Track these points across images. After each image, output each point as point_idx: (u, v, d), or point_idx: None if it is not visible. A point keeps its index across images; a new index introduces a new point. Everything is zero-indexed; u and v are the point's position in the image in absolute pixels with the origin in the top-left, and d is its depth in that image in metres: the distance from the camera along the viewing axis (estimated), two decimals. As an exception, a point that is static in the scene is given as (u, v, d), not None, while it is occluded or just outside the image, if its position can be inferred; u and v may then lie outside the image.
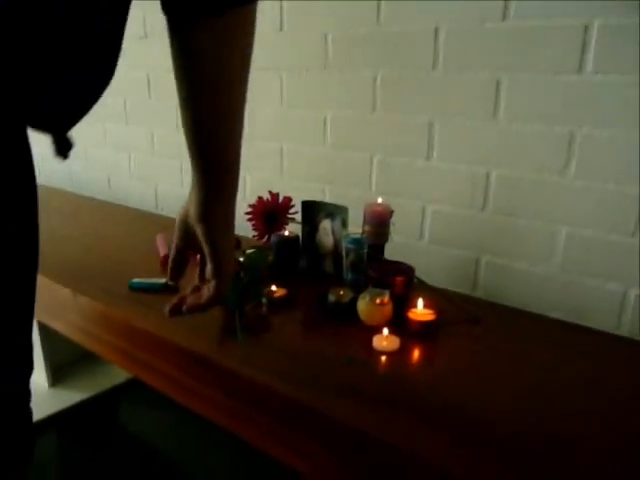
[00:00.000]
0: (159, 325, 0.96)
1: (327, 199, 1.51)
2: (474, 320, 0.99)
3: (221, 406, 0.86)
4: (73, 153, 1.61)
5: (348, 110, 1.41)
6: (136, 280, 1.12)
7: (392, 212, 1.14)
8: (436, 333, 0.94)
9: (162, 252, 1.29)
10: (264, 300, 1.05)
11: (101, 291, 1.11)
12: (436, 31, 1.22)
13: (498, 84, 1.16)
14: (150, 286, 1.11)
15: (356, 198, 1.44)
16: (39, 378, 1.71)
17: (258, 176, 1.67)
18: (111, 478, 1.45)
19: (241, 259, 1.18)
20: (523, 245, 1.20)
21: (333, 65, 1.41)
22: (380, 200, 1.15)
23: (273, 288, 1.06)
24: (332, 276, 1.19)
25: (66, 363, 1.74)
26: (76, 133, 1.95)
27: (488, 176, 1.21)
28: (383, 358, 0.87)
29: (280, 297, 1.05)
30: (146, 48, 1.86)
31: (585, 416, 0.73)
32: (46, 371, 1.67)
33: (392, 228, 1.15)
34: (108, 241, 1.49)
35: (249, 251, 1.21)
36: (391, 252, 1.31)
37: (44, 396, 1.66)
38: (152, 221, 1.75)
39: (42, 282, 1.19)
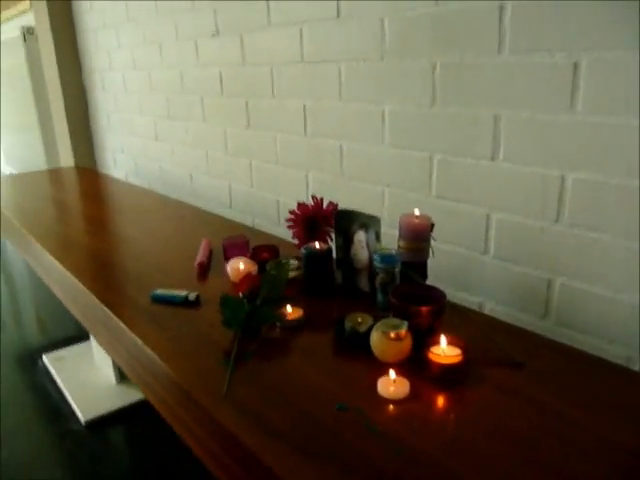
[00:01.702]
0: (161, 347, 0.89)
1: (386, 203, 1.36)
2: (516, 364, 0.80)
3: (204, 444, 0.77)
4: (162, 152, 1.55)
5: (406, 104, 1.25)
6: (159, 291, 1.08)
7: (433, 225, 0.97)
8: (462, 379, 0.77)
9: (198, 259, 1.24)
10: (280, 323, 0.94)
11: (125, 301, 1.08)
12: (501, 8, 1.01)
13: (576, 67, 0.93)
14: (171, 298, 1.05)
15: (415, 202, 1.28)
16: (107, 374, 1.77)
17: (319, 177, 1.56)
18: (175, 470, 1.45)
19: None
20: (607, 266, 0.96)
21: (391, 54, 1.25)
22: (417, 212, 0.98)
23: (288, 309, 0.95)
24: (368, 295, 1.05)
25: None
26: (165, 132, 1.95)
27: (563, 180, 0.99)
28: (387, 408, 0.72)
29: (294, 320, 0.94)
30: (218, 45, 1.83)
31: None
32: (113, 368, 1.72)
33: (433, 244, 0.98)
34: (160, 245, 1.47)
35: (271, 263, 1.11)
36: (452, 267, 1.14)
37: (111, 391, 1.71)
38: (217, 223, 1.72)
39: (81, 289, 1.22)
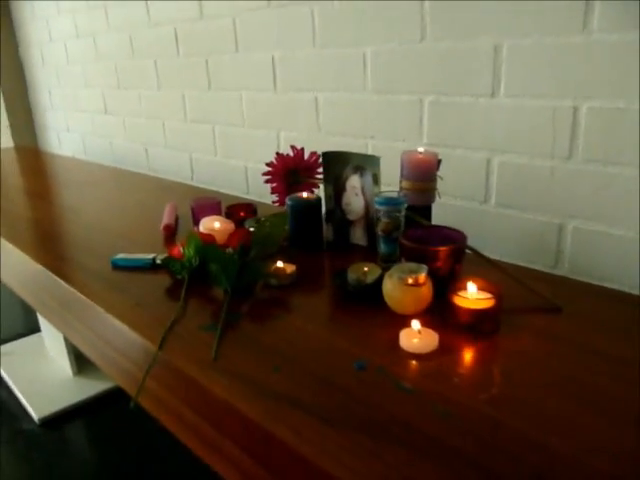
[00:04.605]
0: (128, 315, 0.74)
1: (370, 157, 1.24)
2: (554, 308, 0.69)
3: (188, 425, 0.63)
4: (113, 126, 1.38)
5: (391, 42, 1.12)
6: (120, 256, 0.92)
7: (440, 161, 0.85)
8: (497, 327, 0.65)
9: (164, 222, 1.08)
10: (272, 280, 0.80)
11: (79, 269, 0.91)
12: None
13: (591, -20, 0.83)
14: (134, 263, 0.90)
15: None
16: (62, 367, 1.58)
17: (292, 135, 1.42)
18: (141, 467, 1.30)
19: (252, 229, 0.95)
20: (629, 204, 0.87)
21: (371, -13, 1.12)
22: (421, 149, 0.86)
23: (280, 264, 0.81)
24: (364, 249, 0.93)
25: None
26: (114, 104, 1.73)
27: (576, 111, 0.89)
28: (416, 364, 0.60)
29: (289, 276, 0.80)
30: (171, -2, 1.66)
31: None
32: (69, 359, 1.54)
33: (439, 183, 0.86)
34: (117, 215, 1.30)
35: (263, 218, 0.98)
36: (445, 220, 1.03)
37: (68, 385, 1.53)
38: (180, 190, 1.56)
39: (28, 263, 1.05)
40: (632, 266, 0.88)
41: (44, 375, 1.57)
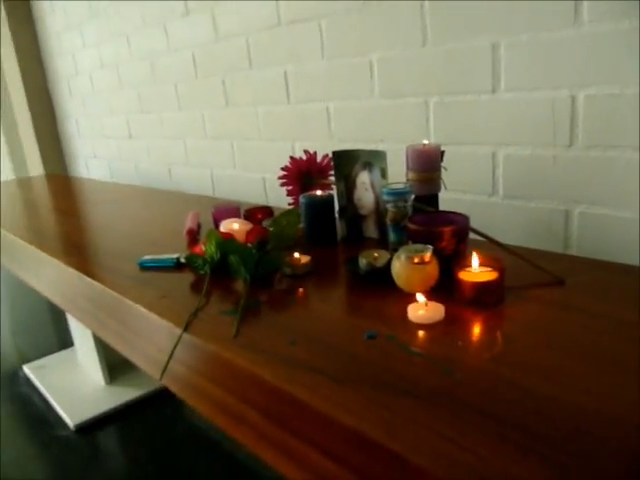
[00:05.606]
0: (155, 305, 0.80)
1: (381, 160, 1.29)
2: (557, 281, 0.72)
3: (214, 400, 0.68)
4: (137, 150, 1.43)
5: (395, 48, 1.18)
6: (146, 257, 0.98)
7: (443, 152, 0.89)
8: (501, 299, 0.69)
9: (187, 227, 1.14)
10: (287, 270, 0.85)
11: (108, 271, 0.98)
12: None
13: (579, -25, 0.88)
14: (160, 263, 0.96)
15: (413, 154, 1.21)
16: (94, 377, 1.64)
17: (307, 145, 1.47)
18: (169, 468, 1.34)
19: (271, 228, 1.00)
20: (632, 186, 0.90)
21: (374, -2, 1.19)
22: (426, 141, 0.91)
23: (295, 255, 0.86)
24: (376, 241, 0.97)
25: (123, 359, 1.66)
26: (138, 128, 1.83)
27: (574, 100, 0.93)
28: (423, 333, 0.64)
29: (304, 265, 0.85)
30: (189, 25, 1.75)
31: None
32: (102, 368, 1.60)
33: (447, 175, 0.90)
34: (143, 225, 1.37)
35: (279, 216, 1.03)
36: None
37: (101, 393, 1.59)
38: (203, 201, 1.62)
39: (62, 268, 1.12)
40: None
41: (78, 385, 1.64)
